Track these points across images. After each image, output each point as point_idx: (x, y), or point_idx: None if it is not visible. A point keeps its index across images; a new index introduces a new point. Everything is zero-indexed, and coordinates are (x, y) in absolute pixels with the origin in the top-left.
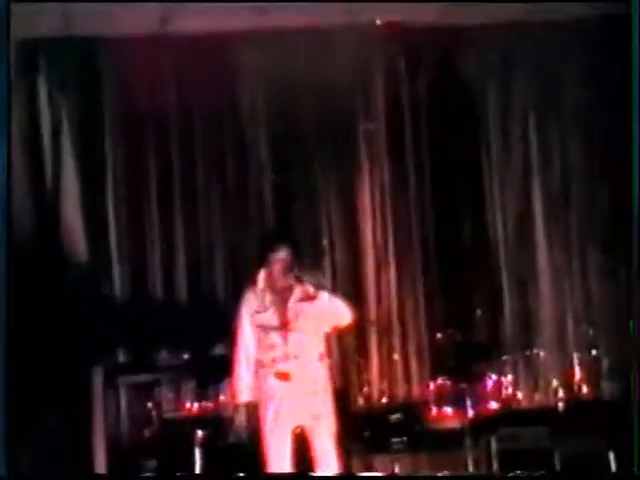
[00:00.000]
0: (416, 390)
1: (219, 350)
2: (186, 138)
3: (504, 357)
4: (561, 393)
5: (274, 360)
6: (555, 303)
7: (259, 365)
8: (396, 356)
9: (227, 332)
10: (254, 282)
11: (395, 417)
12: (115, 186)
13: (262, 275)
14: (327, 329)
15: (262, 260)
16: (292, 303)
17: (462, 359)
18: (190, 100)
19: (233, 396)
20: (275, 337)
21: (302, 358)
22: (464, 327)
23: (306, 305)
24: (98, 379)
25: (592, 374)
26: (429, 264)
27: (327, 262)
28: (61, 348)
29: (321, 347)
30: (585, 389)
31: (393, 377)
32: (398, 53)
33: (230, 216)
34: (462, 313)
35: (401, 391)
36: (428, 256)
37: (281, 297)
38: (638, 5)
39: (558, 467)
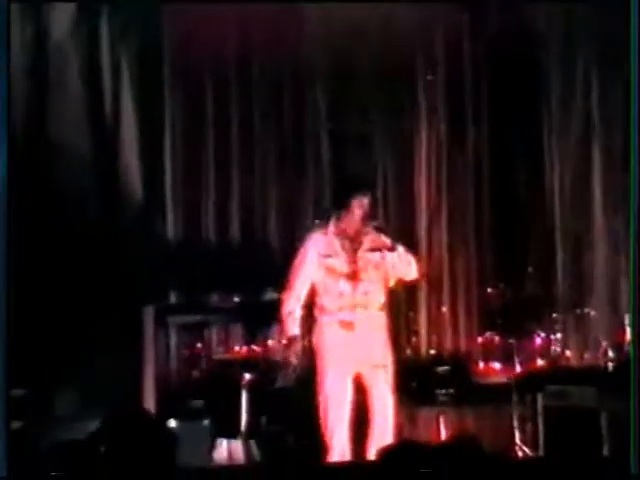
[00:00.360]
0: (464, 344)
1: (269, 295)
2: (244, 85)
3: (554, 315)
4: (610, 353)
5: (340, 308)
6: (608, 263)
7: (322, 311)
8: (445, 309)
9: (278, 277)
10: (323, 225)
11: (442, 370)
12: (173, 128)
13: (334, 219)
14: (392, 281)
15: (342, 203)
16: (362, 252)
17: (512, 315)
18: (249, 49)
19: (282, 330)
20: (344, 285)
21: (367, 308)
22: (515, 283)
23: (375, 255)
24: (149, 318)
25: None
26: (482, 218)
27: (379, 214)
28: (114, 286)
29: (383, 297)
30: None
31: (441, 330)
32: (460, 5)
33: (285, 161)
34: (514, 269)
35: (449, 344)
36: (482, 211)
37: (352, 245)
38: (638, 5)
39: (604, 427)
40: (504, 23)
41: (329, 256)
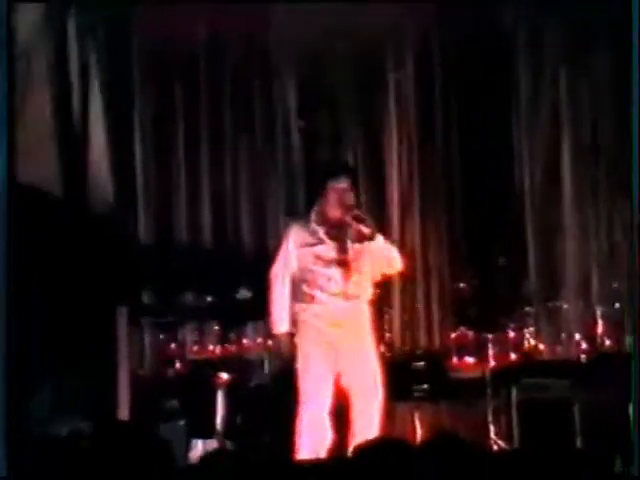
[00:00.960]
0: (438, 339)
1: (243, 294)
2: (215, 82)
3: (527, 308)
4: (583, 345)
5: (332, 295)
6: (580, 256)
7: (311, 301)
8: (418, 305)
9: (251, 276)
10: (301, 217)
11: (417, 365)
12: (143, 127)
13: (315, 209)
14: (377, 275)
15: (318, 190)
16: (350, 243)
17: (485, 309)
18: (220, 43)
19: (272, 326)
20: (335, 271)
21: (359, 299)
22: (488, 278)
23: (363, 246)
24: (122, 319)
25: (615, 327)
26: (454, 213)
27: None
28: (86, 287)
29: (371, 291)
30: (607, 342)
31: (415, 325)
32: (429, 1)
33: (256, 160)
34: (486, 264)
35: (423, 340)
36: (453, 205)
37: (338, 233)
38: (638, 5)
39: (577, 419)
40: (473, 18)
41: (313, 244)
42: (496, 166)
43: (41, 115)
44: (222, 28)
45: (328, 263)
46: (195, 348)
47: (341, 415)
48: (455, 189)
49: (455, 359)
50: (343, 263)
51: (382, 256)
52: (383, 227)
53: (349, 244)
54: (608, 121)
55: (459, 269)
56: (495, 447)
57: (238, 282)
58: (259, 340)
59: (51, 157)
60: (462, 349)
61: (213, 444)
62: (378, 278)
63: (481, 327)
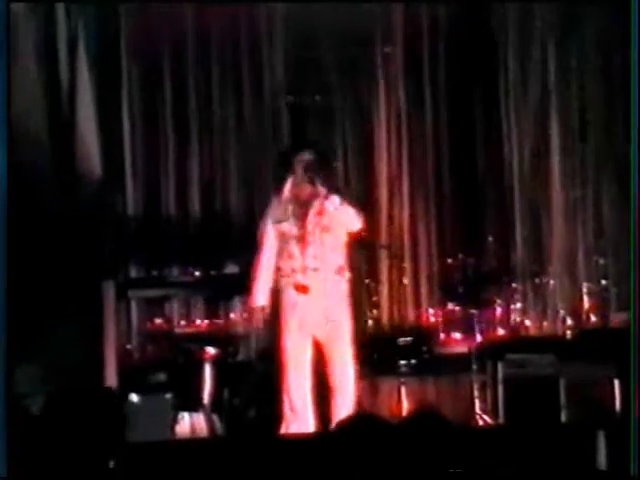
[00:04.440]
0: (425, 315)
1: (230, 268)
2: (203, 56)
3: (514, 285)
4: (569, 322)
5: (293, 270)
6: (567, 232)
7: (280, 273)
8: (406, 280)
9: (239, 250)
10: (279, 192)
11: (403, 341)
12: (130, 103)
13: (288, 184)
14: (343, 238)
15: (287, 164)
16: (311, 216)
17: (472, 285)
18: (208, 20)
19: (250, 300)
20: (294, 248)
21: (320, 271)
22: (475, 253)
23: (324, 218)
24: (110, 293)
25: (601, 304)
26: (443, 189)
27: (340, 183)
28: (74, 261)
29: (340, 260)
30: (593, 318)
31: (403, 301)
32: None
33: (245, 134)
34: (474, 239)
35: (410, 315)
36: (442, 181)
37: (303, 209)
38: (638, 5)
39: (563, 394)
40: None
41: (280, 221)
42: (484, 142)
43: (29, 90)
44: (210, 3)
45: (288, 239)
46: (182, 322)
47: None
48: (443, 165)
49: (442, 335)
50: (300, 239)
51: (340, 216)
52: (371, 203)
53: (309, 218)
54: (596, 99)
55: (446, 245)
56: (480, 422)
57: (225, 256)
58: (246, 315)
59: (39, 131)
60: (449, 325)
61: (199, 417)
62: (345, 240)
63: (468, 303)
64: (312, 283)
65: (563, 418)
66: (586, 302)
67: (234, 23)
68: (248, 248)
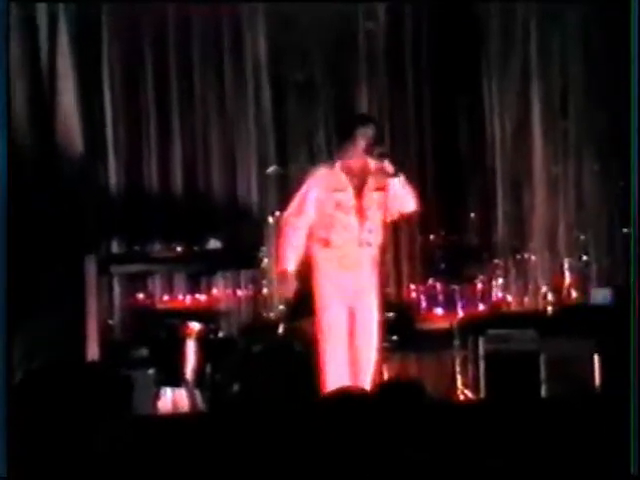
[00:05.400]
0: (407, 290)
1: (213, 244)
2: (184, 38)
3: (495, 260)
4: (550, 297)
5: (346, 242)
6: (548, 208)
7: (326, 245)
8: (388, 256)
9: (222, 225)
10: (334, 160)
11: (385, 316)
12: (112, 80)
13: (340, 155)
14: (393, 216)
15: (347, 135)
16: (367, 190)
17: (454, 261)
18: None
19: (280, 263)
20: (353, 219)
21: (372, 247)
22: (457, 229)
23: (380, 194)
24: (91, 268)
25: (581, 279)
26: (425, 166)
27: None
28: (55, 236)
29: (381, 239)
30: (574, 294)
31: (384, 277)
32: None
33: (226, 110)
34: (455, 215)
35: (392, 291)
36: (424, 158)
37: (357, 181)
38: (638, 5)
39: (544, 370)
40: None
41: (338, 190)
42: (465, 119)
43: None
44: None
45: (347, 210)
46: (165, 298)
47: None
48: (425, 141)
49: (423, 310)
50: (360, 210)
51: (400, 197)
52: None
53: (367, 192)
54: (577, 75)
55: (428, 221)
56: (462, 397)
57: (208, 232)
58: (229, 291)
59: (20, 107)
60: (431, 300)
61: (182, 393)
62: (394, 217)
63: (449, 278)
64: (358, 258)
65: (544, 393)
66: (567, 278)
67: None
68: (231, 223)
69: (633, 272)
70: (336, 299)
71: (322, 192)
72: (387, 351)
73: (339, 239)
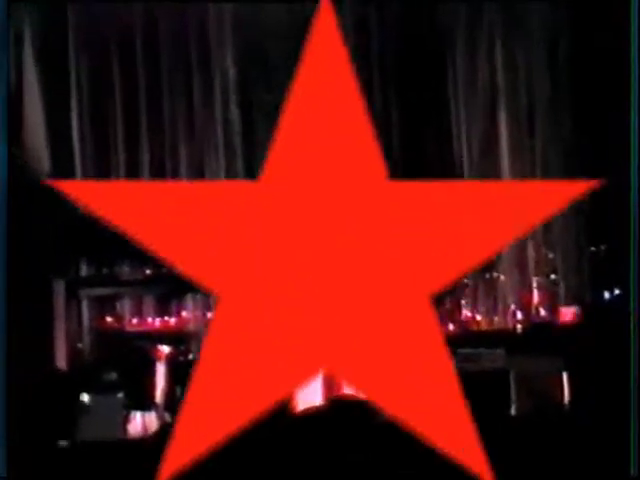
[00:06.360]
0: None
1: None
2: (151, 55)
3: (464, 280)
4: (519, 316)
5: None
6: None
7: None
8: None
9: None
10: None
11: None
12: (79, 93)
13: None
14: None
15: None
16: None
17: None
18: (157, 17)
19: None
20: None
21: None
22: None
23: None
24: (60, 291)
25: (550, 298)
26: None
27: None
28: (23, 259)
29: None
30: (543, 312)
31: None
32: None
33: (196, 125)
34: None
35: None
36: (395, 167)
37: None
38: (638, 5)
39: (513, 387)
40: None
41: None
42: (435, 134)
43: None
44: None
45: None
46: (134, 321)
47: None
48: (392, 148)
49: None
50: None
51: None
52: None
53: None
54: (544, 74)
55: None
56: None
57: None
58: (198, 313)
59: None
60: None
61: (152, 416)
62: None
63: None
64: None
65: (513, 411)
66: (536, 296)
67: (183, 20)
68: None
69: (633, 273)
70: None
71: None
72: None
73: None
